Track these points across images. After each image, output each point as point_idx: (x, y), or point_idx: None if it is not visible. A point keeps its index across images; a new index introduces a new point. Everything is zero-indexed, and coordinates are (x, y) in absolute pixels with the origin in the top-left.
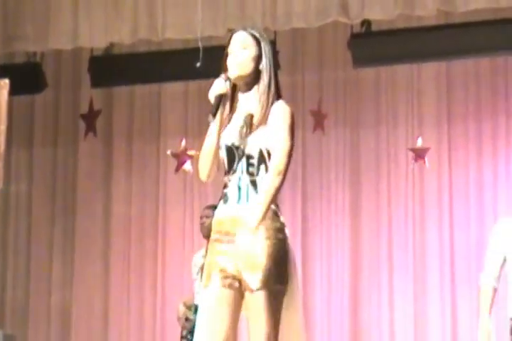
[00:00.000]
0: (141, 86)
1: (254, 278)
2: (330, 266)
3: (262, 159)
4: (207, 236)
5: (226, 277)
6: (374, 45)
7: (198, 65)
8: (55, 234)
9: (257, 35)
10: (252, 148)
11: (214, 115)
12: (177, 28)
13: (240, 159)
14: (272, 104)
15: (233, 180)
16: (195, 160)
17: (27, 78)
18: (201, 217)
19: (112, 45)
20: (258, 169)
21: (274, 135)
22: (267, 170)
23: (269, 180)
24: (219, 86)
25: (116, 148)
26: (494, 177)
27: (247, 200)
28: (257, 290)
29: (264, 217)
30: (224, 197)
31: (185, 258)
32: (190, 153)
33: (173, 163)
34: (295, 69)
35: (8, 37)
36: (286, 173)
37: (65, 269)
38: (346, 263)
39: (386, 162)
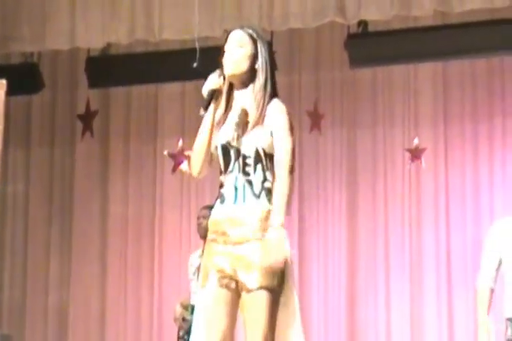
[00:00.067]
0: (138, 86)
1: (250, 277)
2: (326, 266)
3: (258, 158)
4: (204, 236)
5: (223, 277)
6: (371, 46)
7: (195, 65)
8: (52, 234)
9: (254, 34)
10: (248, 147)
11: (205, 109)
12: (174, 29)
13: (236, 159)
14: (268, 103)
15: (229, 179)
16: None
17: (24, 78)
18: (198, 218)
19: (108, 45)
20: (254, 168)
21: (274, 135)
22: (263, 169)
23: (280, 180)
24: (213, 81)
25: (113, 149)
26: (490, 177)
27: (244, 200)
28: (254, 290)
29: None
30: (220, 197)
31: (182, 259)
32: (187, 153)
33: (170, 163)
34: (292, 70)
35: (4, 37)
36: (294, 170)
37: (62, 269)
38: (343, 263)
39: (383, 162)
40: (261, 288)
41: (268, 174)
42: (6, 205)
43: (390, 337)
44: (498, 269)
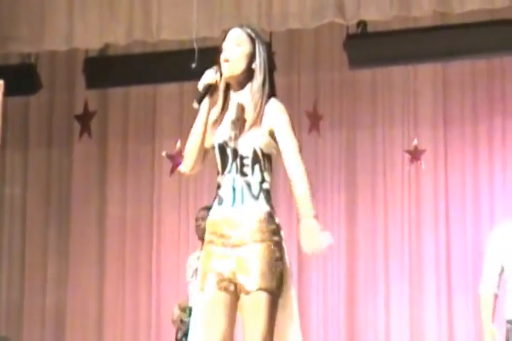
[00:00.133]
0: (136, 87)
1: (249, 279)
2: (325, 268)
3: (256, 159)
4: (202, 238)
5: (222, 280)
6: (370, 46)
7: (194, 66)
8: (49, 235)
9: (252, 33)
10: (246, 147)
11: (199, 102)
12: (172, 29)
13: (233, 159)
14: (266, 103)
15: (227, 180)
16: None
17: (21, 79)
18: (197, 219)
19: (106, 46)
20: (252, 169)
21: (277, 134)
22: (261, 170)
23: (298, 179)
24: (209, 76)
25: (111, 150)
26: (490, 179)
27: (242, 202)
28: (253, 291)
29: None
30: (218, 199)
31: (180, 260)
32: None
33: (168, 164)
34: (291, 70)
35: (2, 38)
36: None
37: (59, 271)
38: (342, 265)
39: (382, 163)
40: (260, 289)
41: (266, 175)
42: (4, 207)
43: (389, 339)
44: (500, 274)
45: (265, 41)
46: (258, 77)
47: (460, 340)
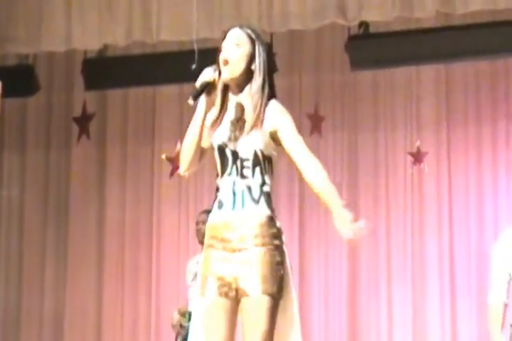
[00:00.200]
0: (135, 88)
1: (250, 284)
2: (327, 272)
3: (256, 161)
4: (203, 242)
5: (223, 285)
6: (372, 48)
7: (194, 67)
8: (47, 238)
9: (252, 34)
10: (246, 150)
11: (194, 98)
12: (172, 30)
13: (233, 161)
14: (266, 105)
15: (227, 183)
16: None
17: (19, 81)
18: (197, 223)
19: (105, 47)
20: (253, 171)
21: (282, 135)
22: (262, 172)
23: (317, 172)
24: (207, 74)
25: (110, 152)
26: (494, 182)
27: (243, 206)
28: (254, 295)
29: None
30: (218, 202)
31: (180, 264)
32: None
33: (168, 167)
34: (292, 72)
35: None
36: None
37: (57, 274)
38: (344, 268)
39: (384, 166)
40: (261, 293)
41: (267, 177)
42: (1, 209)
43: None
44: (509, 282)
45: (265, 42)
46: (257, 79)
47: None
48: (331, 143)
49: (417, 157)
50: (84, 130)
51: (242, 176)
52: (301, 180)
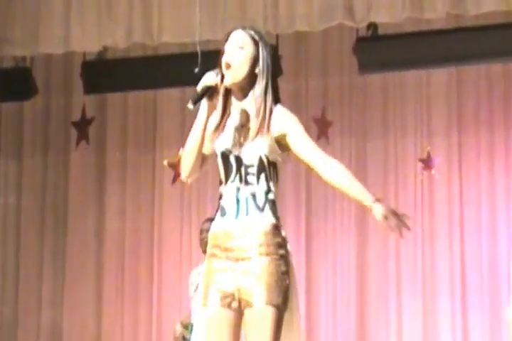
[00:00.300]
0: (136, 92)
1: (254, 294)
2: (335, 284)
3: (261, 167)
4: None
5: (225, 296)
6: (381, 50)
7: (196, 70)
8: (45, 248)
9: (256, 36)
10: (251, 155)
11: (194, 103)
12: (174, 31)
13: (237, 168)
14: (271, 110)
15: (230, 190)
16: None
17: (16, 84)
18: (201, 232)
19: (105, 49)
20: (258, 178)
21: (292, 139)
22: (267, 179)
23: (340, 170)
24: (209, 78)
25: (110, 158)
26: (508, 189)
27: (247, 214)
28: (258, 307)
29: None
30: (221, 210)
31: (182, 275)
32: None
33: (169, 173)
34: (298, 75)
35: None
36: None
37: (55, 286)
38: (352, 279)
39: (394, 172)
40: (265, 304)
41: (272, 184)
42: None
43: None
44: None
45: (269, 43)
46: (261, 82)
47: None
48: (339, 148)
49: (428, 163)
50: (83, 135)
51: (247, 183)
52: (308, 188)
